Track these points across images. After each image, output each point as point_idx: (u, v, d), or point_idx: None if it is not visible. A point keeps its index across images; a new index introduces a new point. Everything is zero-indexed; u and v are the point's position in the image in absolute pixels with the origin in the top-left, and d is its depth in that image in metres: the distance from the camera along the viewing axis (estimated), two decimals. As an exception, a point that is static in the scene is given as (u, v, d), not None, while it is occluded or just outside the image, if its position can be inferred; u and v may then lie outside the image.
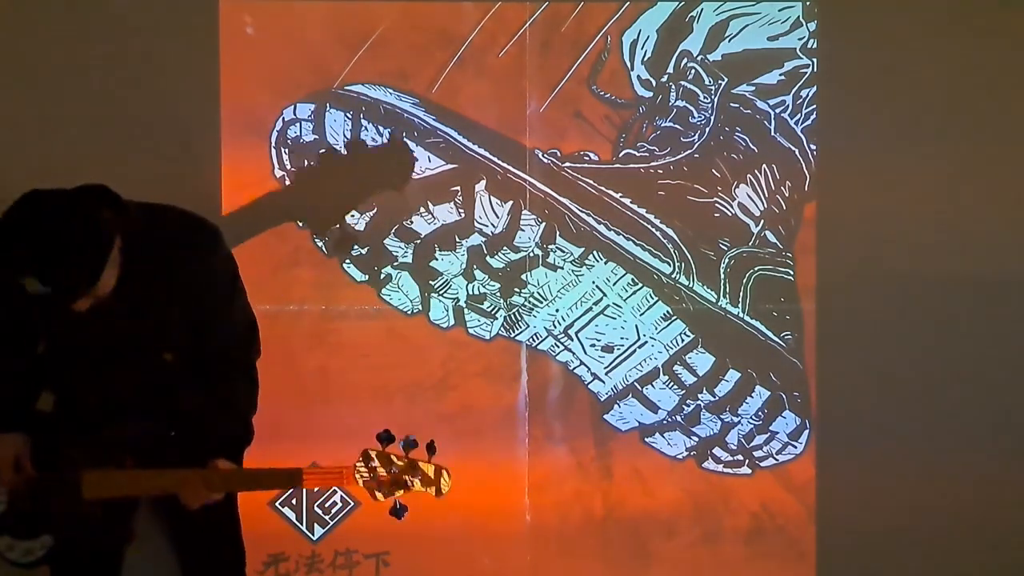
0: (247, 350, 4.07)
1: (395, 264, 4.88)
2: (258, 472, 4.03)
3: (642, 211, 4.89)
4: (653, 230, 4.90)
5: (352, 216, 4.86)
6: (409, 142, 4.85)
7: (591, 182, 4.88)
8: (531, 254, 4.89)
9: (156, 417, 3.97)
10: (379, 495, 3.96)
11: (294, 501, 4.88)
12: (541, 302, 4.90)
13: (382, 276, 4.88)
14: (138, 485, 3.92)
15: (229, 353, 3.99)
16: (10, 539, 3.95)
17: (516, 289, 4.90)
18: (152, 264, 3.79)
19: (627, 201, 4.89)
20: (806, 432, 4.94)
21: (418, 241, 4.87)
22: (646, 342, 4.92)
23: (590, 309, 4.92)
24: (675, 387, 4.93)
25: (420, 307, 4.88)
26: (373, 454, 3.94)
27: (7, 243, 3.63)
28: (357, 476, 3.94)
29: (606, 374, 4.93)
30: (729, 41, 4.88)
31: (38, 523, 3.92)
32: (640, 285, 4.91)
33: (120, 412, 3.93)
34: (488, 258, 4.89)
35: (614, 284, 4.91)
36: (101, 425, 3.91)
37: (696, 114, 4.89)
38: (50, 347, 3.92)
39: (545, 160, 4.88)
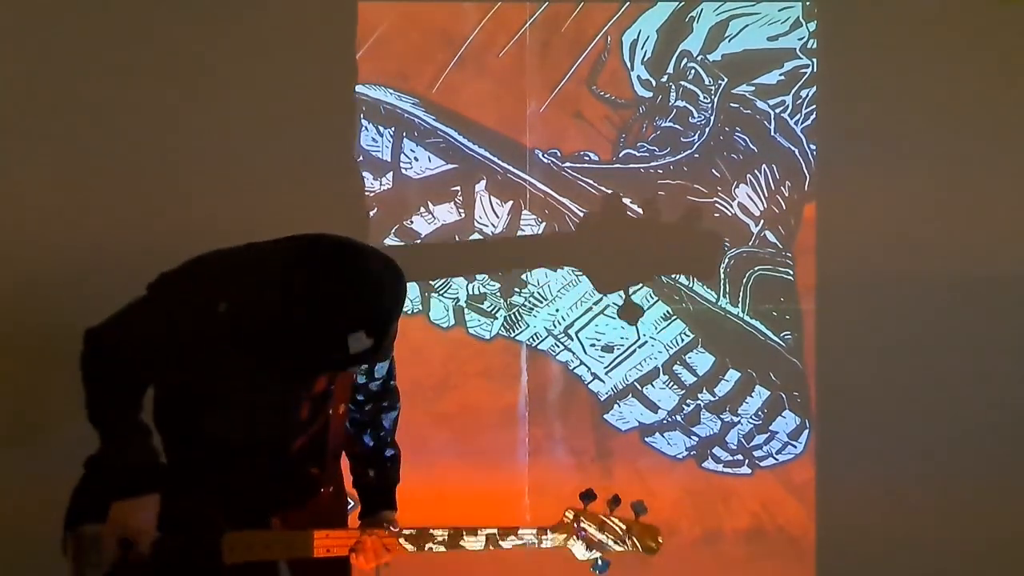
0: (395, 392, 3.97)
1: (395, 264, 4.88)
2: (459, 529, 3.83)
3: (642, 211, 4.89)
4: (653, 230, 4.90)
5: (352, 216, 4.87)
6: (409, 142, 4.85)
7: (591, 182, 4.88)
8: (531, 254, 4.90)
9: (322, 471, 3.78)
10: (589, 554, 3.83)
11: (294, 501, 4.88)
12: (541, 302, 4.90)
13: (382, 276, 4.87)
14: (288, 546, 3.64)
15: (386, 394, 3.91)
16: None
17: (516, 289, 4.90)
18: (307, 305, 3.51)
19: (627, 201, 4.89)
20: (806, 432, 4.94)
21: (418, 241, 4.87)
22: (646, 342, 4.92)
23: (590, 309, 4.91)
24: (675, 387, 4.93)
25: (420, 307, 4.88)
26: (580, 516, 3.80)
27: (335, 297, 3.43)
28: (577, 538, 3.82)
29: (606, 374, 4.92)
30: (729, 41, 4.89)
31: None
32: (640, 285, 4.91)
33: (269, 466, 3.70)
34: (488, 258, 4.89)
35: (614, 284, 4.91)
36: (242, 482, 3.66)
37: (696, 114, 4.89)
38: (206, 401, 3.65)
39: (545, 160, 4.88)
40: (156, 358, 3.56)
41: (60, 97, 4.68)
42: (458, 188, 4.86)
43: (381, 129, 4.85)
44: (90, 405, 3.57)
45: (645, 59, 4.88)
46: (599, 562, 3.81)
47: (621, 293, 4.90)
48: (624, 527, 3.78)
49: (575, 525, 3.80)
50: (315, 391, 3.69)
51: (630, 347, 4.92)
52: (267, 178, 4.72)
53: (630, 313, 4.76)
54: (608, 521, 3.79)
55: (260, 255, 3.57)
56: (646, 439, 4.94)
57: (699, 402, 4.94)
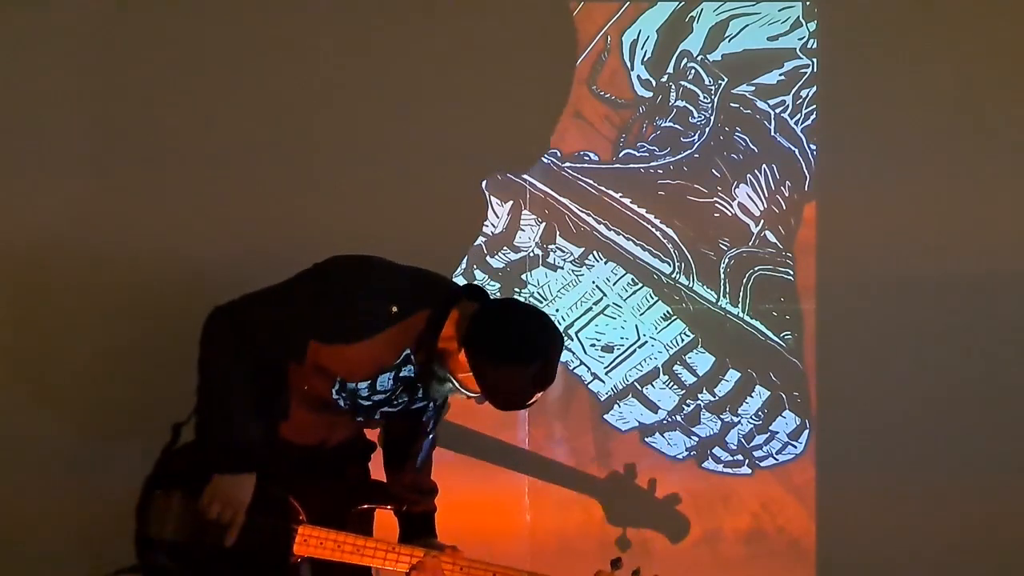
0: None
1: (395, 264, 4.88)
2: (493, 567, 3.91)
3: (642, 211, 4.89)
4: (653, 230, 4.90)
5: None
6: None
7: (591, 182, 4.88)
8: (531, 254, 4.89)
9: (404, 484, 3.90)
10: None
11: (294, 501, 4.88)
12: (541, 302, 4.90)
13: (382, 276, 4.87)
14: (361, 553, 3.71)
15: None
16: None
17: (516, 289, 4.90)
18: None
19: (627, 201, 4.89)
20: (806, 432, 4.94)
21: (418, 241, 4.87)
22: (646, 342, 4.92)
23: (590, 309, 4.92)
24: (675, 387, 4.93)
25: (420, 307, 4.88)
26: None
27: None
28: None
29: (606, 374, 4.93)
30: (729, 41, 4.89)
31: (211, 565, 3.71)
32: (640, 285, 4.91)
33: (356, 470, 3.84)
34: (488, 258, 4.88)
35: (614, 284, 4.91)
36: (333, 476, 3.80)
37: (696, 114, 4.89)
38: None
39: (545, 160, 4.88)
40: (301, 333, 3.61)
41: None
42: (458, 188, 4.87)
43: (381, 129, 4.86)
44: (208, 376, 3.63)
45: (645, 59, 4.88)
46: None
47: (612, 286, 4.91)
48: None
49: None
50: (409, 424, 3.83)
51: (630, 347, 4.92)
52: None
53: None
54: None
55: (432, 280, 3.72)
56: (646, 439, 4.94)
57: (699, 402, 4.94)
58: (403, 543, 3.86)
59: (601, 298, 4.91)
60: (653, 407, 4.93)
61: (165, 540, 3.70)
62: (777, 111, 4.90)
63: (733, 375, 4.93)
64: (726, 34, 4.88)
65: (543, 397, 4.89)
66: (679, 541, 4.95)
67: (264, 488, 3.70)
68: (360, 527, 3.81)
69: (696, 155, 4.89)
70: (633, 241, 4.89)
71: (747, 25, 4.89)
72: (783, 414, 4.94)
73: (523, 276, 4.90)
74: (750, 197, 4.91)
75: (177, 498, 3.70)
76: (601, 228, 4.89)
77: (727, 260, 4.91)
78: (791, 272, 4.93)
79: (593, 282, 4.91)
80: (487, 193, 4.86)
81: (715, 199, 4.90)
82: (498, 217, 4.88)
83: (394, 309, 3.59)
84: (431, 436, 3.94)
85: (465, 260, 4.87)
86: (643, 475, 4.93)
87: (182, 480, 3.71)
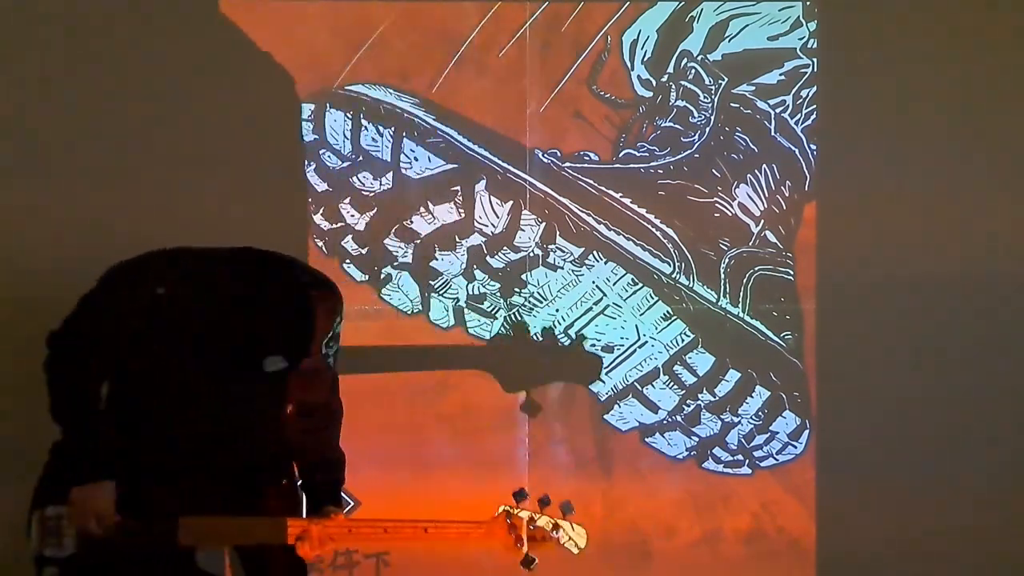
0: (338, 399, 4.03)
1: (395, 264, 4.88)
2: (381, 522, 3.89)
3: (642, 211, 4.89)
4: (653, 230, 4.90)
5: (352, 216, 4.86)
6: (409, 142, 4.85)
7: (591, 182, 4.88)
8: (531, 254, 4.89)
9: (270, 467, 3.91)
10: (519, 546, 3.94)
11: (294, 501, 4.88)
12: (541, 302, 4.90)
13: (382, 276, 4.88)
14: (241, 533, 3.75)
15: (332, 403, 3.98)
16: None
17: (516, 289, 4.90)
18: (243, 300, 3.71)
19: (627, 201, 4.89)
20: (806, 432, 4.94)
21: (418, 241, 4.87)
22: (646, 342, 4.92)
23: (590, 309, 4.91)
24: (675, 387, 4.93)
25: (420, 307, 4.88)
26: (514, 512, 3.92)
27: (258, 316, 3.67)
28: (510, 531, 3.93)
29: (606, 374, 4.92)
30: (729, 41, 4.88)
31: (109, 570, 3.76)
32: (640, 285, 4.91)
33: (219, 458, 3.82)
34: (488, 258, 4.89)
35: (614, 284, 4.91)
36: (196, 470, 3.80)
37: (696, 114, 4.89)
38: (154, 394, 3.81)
39: (545, 160, 4.88)
40: (108, 349, 3.74)
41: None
42: (458, 188, 4.86)
43: (381, 129, 4.85)
44: (52, 402, 3.75)
45: (645, 59, 4.88)
46: (527, 556, 3.91)
47: (612, 286, 4.91)
48: (551, 525, 3.92)
49: (506, 521, 3.92)
50: (257, 392, 3.79)
51: (630, 347, 4.92)
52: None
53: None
54: (536, 518, 3.91)
55: (200, 254, 3.77)
56: (646, 439, 4.94)
57: (699, 402, 4.93)
58: (308, 516, 3.87)
59: (601, 298, 4.91)
60: (653, 407, 4.93)
61: (59, 556, 3.77)
62: (777, 111, 4.90)
63: (733, 375, 4.93)
64: (726, 34, 4.88)
65: (543, 397, 4.91)
66: (679, 541, 4.95)
67: (140, 488, 3.76)
68: (251, 507, 3.83)
69: (696, 155, 4.89)
70: (633, 241, 4.89)
71: (747, 25, 4.89)
72: (783, 414, 4.94)
73: (523, 276, 4.90)
74: (750, 197, 4.90)
75: (59, 514, 3.76)
76: (601, 228, 4.89)
77: (727, 260, 4.91)
78: (791, 272, 4.93)
79: (593, 282, 4.91)
80: (487, 193, 4.86)
81: (715, 199, 4.90)
82: (498, 217, 4.88)
83: (160, 290, 3.71)
84: (312, 414, 3.95)
85: (465, 260, 4.87)
86: (643, 475, 4.93)
87: (56, 498, 3.77)
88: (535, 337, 4.87)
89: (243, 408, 3.77)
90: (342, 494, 3.95)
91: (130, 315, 3.71)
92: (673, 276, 4.91)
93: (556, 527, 3.91)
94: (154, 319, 3.69)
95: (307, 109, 4.84)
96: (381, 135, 4.86)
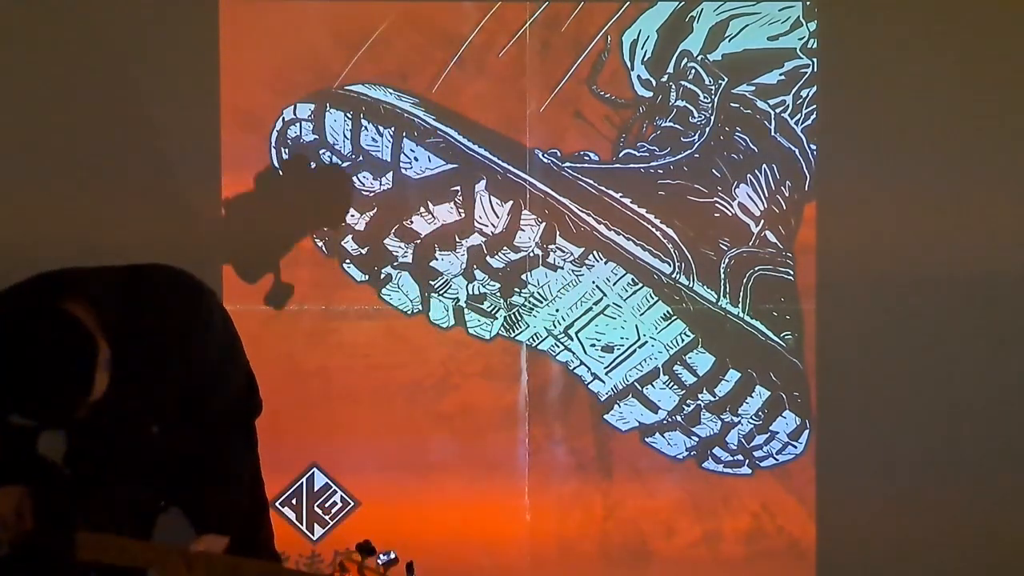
0: (245, 413, 3.81)
1: (395, 264, 4.88)
2: (241, 561, 3.66)
3: (642, 211, 4.89)
4: (653, 230, 4.90)
5: (352, 216, 4.86)
6: (409, 142, 4.86)
7: (591, 182, 4.88)
8: (531, 254, 4.89)
9: (154, 487, 3.77)
10: None
11: (294, 501, 4.88)
12: (541, 302, 4.90)
13: (382, 276, 4.88)
14: (128, 555, 3.68)
15: (227, 418, 3.72)
16: None
17: (516, 289, 4.90)
18: (140, 338, 3.49)
19: (627, 201, 4.89)
20: (806, 432, 4.94)
21: (418, 241, 4.87)
22: (646, 342, 4.92)
23: (590, 309, 4.91)
24: (675, 387, 4.93)
25: (420, 307, 4.88)
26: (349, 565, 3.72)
27: None
28: None
29: (606, 374, 4.92)
30: (729, 41, 4.88)
31: (33, 573, 3.77)
32: (640, 285, 4.91)
33: (120, 477, 3.72)
34: (488, 258, 4.89)
35: (614, 284, 4.91)
36: (105, 486, 3.72)
37: (696, 114, 4.89)
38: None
39: (545, 160, 4.88)
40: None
41: None
42: (458, 188, 4.86)
43: (381, 129, 4.85)
44: None
45: (645, 59, 4.88)
46: None
47: (612, 286, 4.91)
48: None
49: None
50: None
51: (630, 347, 4.92)
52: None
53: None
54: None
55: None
56: (646, 439, 4.93)
57: (699, 402, 4.93)
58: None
59: (601, 298, 4.91)
60: (653, 407, 4.93)
61: None
62: (777, 111, 4.90)
63: (733, 375, 4.93)
64: (726, 34, 4.88)
65: (543, 397, 4.91)
66: (679, 541, 4.95)
67: (51, 500, 3.70)
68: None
69: (696, 155, 4.89)
70: (633, 241, 4.89)
71: (747, 25, 4.89)
72: (783, 414, 4.94)
73: (523, 276, 4.90)
74: (750, 197, 4.90)
75: None
76: (601, 228, 4.89)
77: (727, 260, 4.91)
78: (791, 272, 4.93)
79: (593, 282, 4.91)
80: (487, 193, 4.86)
81: (715, 199, 4.90)
82: (498, 217, 4.88)
83: None
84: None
85: (465, 260, 4.88)
86: (643, 475, 4.93)
87: None
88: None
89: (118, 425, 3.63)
90: (231, 521, 3.75)
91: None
92: (673, 276, 4.91)
93: None
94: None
95: (307, 109, 4.84)
96: (381, 135, 4.86)
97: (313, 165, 4.86)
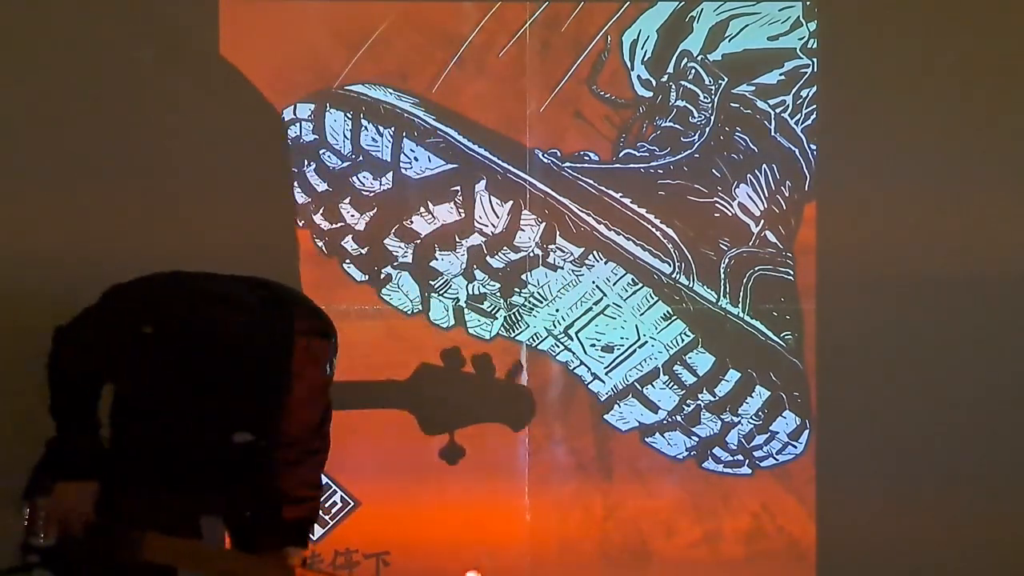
0: (322, 435, 3.98)
1: (395, 264, 4.88)
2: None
3: (642, 211, 4.89)
4: (653, 230, 4.90)
5: (352, 216, 4.86)
6: (409, 142, 4.86)
7: (591, 182, 4.88)
8: (531, 254, 4.89)
9: (231, 495, 3.93)
10: None
11: (294, 501, 4.88)
12: (541, 302, 4.90)
13: (382, 276, 4.88)
14: (201, 560, 3.80)
15: (305, 440, 3.91)
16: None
17: (516, 289, 4.90)
18: (265, 360, 3.74)
19: (627, 201, 4.89)
20: (806, 432, 4.94)
21: (418, 241, 4.87)
22: (646, 342, 4.92)
23: (590, 309, 4.91)
24: (675, 387, 4.93)
25: (420, 307, 4.88)
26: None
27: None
28: None
29: (606, 374, 4.92)
30: (729, 41, 4.88)
31: (83, 568, 3.84)
32: (640, 285, 4.91)
33: (197, 482, 3.88)
34: (488, 258, 4.89)
35: (614, 284, 4.91)
36: (177, 488, 3.86)
37: (696, 114, 4.89)
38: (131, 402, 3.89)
39: (545, 160, 4.88)
40: (101, 362, 3.83)
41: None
42: (458, 188, 4.86)
43: (381, 129, 4.85)
44: (51, 397, 3.85)
45: (645, 59, 4.88)
46: None
47: (612, 286, 4.91)
48: None
49: None
50: (240, 419, 3.83)
51: (630, 347, 4.92)
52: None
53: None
54: None
55: (195, 287, 3.82)
56: (646, 439, 4.93)
57: (699, 402, 4.93)
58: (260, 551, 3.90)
59: (601, 298, 4.91)
60: (653, 407, 4.93)
61: (40, 546, 3.85)
62: (777, 111, 4.90)
63: (733, 375, 4.93)
64: (726, 34, 4.88)
65: (543, 397, 4.92)
66: (679, 541, 4.95)
67: (120, 496, 3.83)
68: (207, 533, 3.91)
69: (696, 155, 4.89)
70: (633, 241, 4.89)
71: (747, 25, 4.89)
72: (783, 414, 4.94)
73: (523, 276, 4.90)
74: (750, 197, 4.90)
75: (40, 506, 3.85)
76: (601, 228, 4.89)
77: (727, 260, 4.91)
78: (791, 272, 4.93)
79: (593, 282, 4.91)
80: (487, 193, 4.86)
81: (715, 199, 4.90)
82: (498, 217, 4.88)
83: (147, 328, 3.76)
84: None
85: (465, 260, 4.88)
86: (643, 475, 4.93)
87: (46, 491, 3.85)
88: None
89: (217, 435, 3.82)
90: (308, 534, 3.93)
91: (120, 345, 3.78)
92: (673, 276, 4.91)
93: None
94: (140, 355, 3.75)
95: (307, 109, 4.84)
96: (381, 135, 4.86)
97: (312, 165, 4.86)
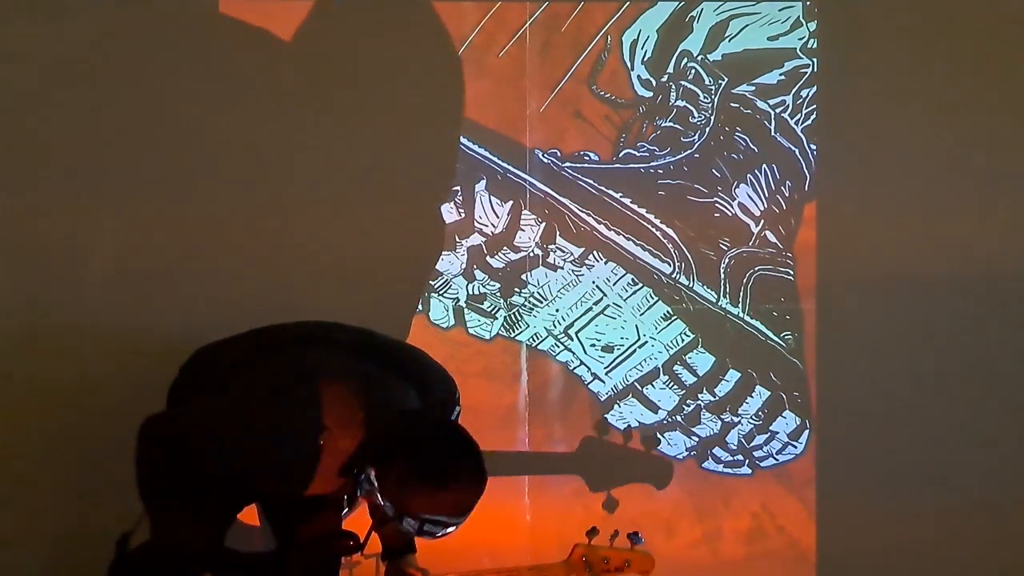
0: None
1: (395, 264, 4.88)
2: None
3: (642, 211, 4.90)
4: (653, 230, 4.90)
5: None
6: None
7: (591, 182, 4.88)
8: (531, 254, 4.89)
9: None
10: None
11: (294, 501, 4.88)
12: (541, 302, 4.90)
13: (382, 276, 4.88)
14: None
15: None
16: None
17: (516, 289, 4.90)
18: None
19: (627, 201, 4.89)
20: (806, 432, 4.94)
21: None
22: (646, 342, 4.92)
23: (590, 309, 4.92)
24: (675, 387, 4.93)
25: (420, 307, 4.88)
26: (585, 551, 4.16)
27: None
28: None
29: (606, 374, 4.93)
30: (729, 41, 4.89)
31: None
32: (640, 285, 4.91)
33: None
34: (488, 258, 4.89)
35: (614, 284, 4.91)
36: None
37: (696, 114, 4.89)
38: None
39: (545, 160, 4.88)
40: (231, 453, 3.67)
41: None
42: (458, 188, 4.86)
43: (381, 129, 4.85)
44: (149, 488, 3.64)
45: (645, 59, 4.88)
46: None
47: (612, 286, 4.91)
48: (623, 560, 4.16)
49: (583, 561, 4.16)
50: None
51: (630, 347, 4.92)
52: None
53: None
54: (610, 554, 4.14)
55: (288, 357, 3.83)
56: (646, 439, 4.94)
57: (699, 402, 4.94)
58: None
59: (601, 298, 4.91)
60: (653, 407, 4.93)
61: None
62: (777, 111, 4.90)
63: (733, 375, 4.93)
64: (726, 34, 4.88)
65: (543, 397, 4.91)
66: (679, 541, 4.95)
67: None
68: None
69: (696, 155, 4.90)
70: (633, 241, 4.89)
71: (747, 25, 4.89)
72: (783, 414, 4.94)
73: (523, 276, 4.90)
74: (750, 197, 4.91)
75: None
76: (601, 228, 4.89)
77: (727, 260, 4.91)
78: (791, 272, 4.93)
79: (593, 282, 4.91)
80: (487, 193, 4.86)
81: (715, 199, 4.90)
82: (498, 217, 4.88)
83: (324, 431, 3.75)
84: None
85: (465, 260, 4.87)
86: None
87: None
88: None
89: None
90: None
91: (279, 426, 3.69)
92: (673, 276, 4.91)
93: (627, 562, 4.17)
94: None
95: (307, 109, 4.84)
96: (381, 135, 4.86)
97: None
